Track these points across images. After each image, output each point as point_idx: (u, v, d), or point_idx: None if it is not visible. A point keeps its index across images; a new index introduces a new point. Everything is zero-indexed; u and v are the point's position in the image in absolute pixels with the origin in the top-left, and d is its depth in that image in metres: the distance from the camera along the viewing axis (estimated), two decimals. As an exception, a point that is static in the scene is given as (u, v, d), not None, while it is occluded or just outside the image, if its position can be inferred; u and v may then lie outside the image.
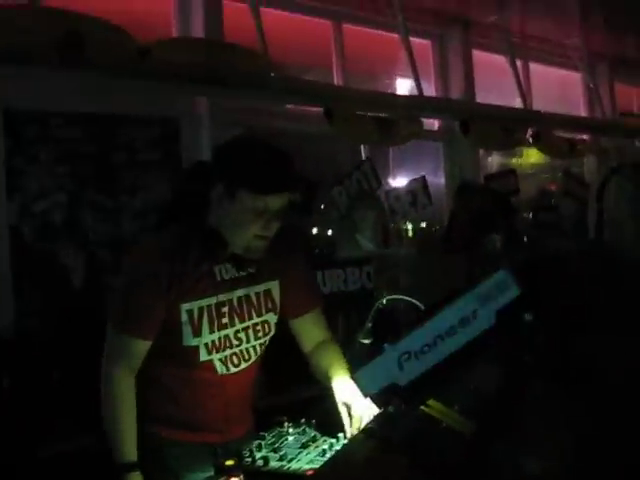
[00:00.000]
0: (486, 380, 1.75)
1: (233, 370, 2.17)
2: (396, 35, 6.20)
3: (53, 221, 4.24)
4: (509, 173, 6.93)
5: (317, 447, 2.00)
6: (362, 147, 5.97)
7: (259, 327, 2.21)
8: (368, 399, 2.04)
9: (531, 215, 7.29)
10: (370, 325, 2.11)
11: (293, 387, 3.90)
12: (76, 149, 4.34)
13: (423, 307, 2.01)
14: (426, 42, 6.79)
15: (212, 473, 2.07)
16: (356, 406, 2.05)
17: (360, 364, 2.07)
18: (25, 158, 4.16)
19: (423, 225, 7.05)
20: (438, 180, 6.94)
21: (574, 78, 8.23)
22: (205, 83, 4.20)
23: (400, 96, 6.23)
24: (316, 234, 5.80)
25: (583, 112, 8.28)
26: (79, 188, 4.34)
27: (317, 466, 1.82)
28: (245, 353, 2.19)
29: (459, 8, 6.55)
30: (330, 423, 2.10)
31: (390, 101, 5.61)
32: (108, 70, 3.75)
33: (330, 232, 5.82)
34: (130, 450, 2.03)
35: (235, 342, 2.16)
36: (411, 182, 6.02)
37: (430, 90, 6.61)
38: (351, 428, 2.03)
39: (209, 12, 4.73)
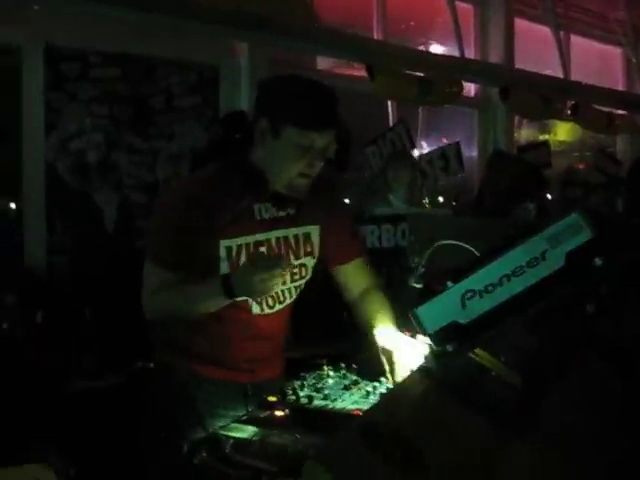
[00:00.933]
0: (538, 329, 1.71)
1: (267, 311, 2.14)
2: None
3: (88, 161, 4.23)
4: (542, 145, 6.86)
5: (360, 389, 1.98)
6: (390, 110, 5.92)
7: (296, 270, 2.18)
8: (413, 345, 2.02)
9: (558, 191, 7.24)
10: (423, 270, 2.07)
11: (322, 342, 3.88)
12: (114, 90, 4.32)
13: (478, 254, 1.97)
14: (468, 7, 6.68)
15: (243, 412, 2.06)
16: (400, 353, 2.03)
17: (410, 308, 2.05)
18: (64, 95, 4.15)
19: (440, 199, 7.02)
20: (467, 149, 6.89)
21: (614, 53, 8.09)
22: (249, 29, 4.14)
23: (443, 56, 6.12)
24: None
25: (621, 88, 8.14)
26: (115, 129, 4.32)
27: (362, 407, 1.80)
28: (280, 295, 2.16)
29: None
30: (370, 370, 2.08)
31: (433, 61, 5.53)
32: (150, 9, 3.69)
33: (347, 200, 5.77)
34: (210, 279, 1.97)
35: None
36: (445, 147, 5.98)
37: (469, 56, 6.50)
38: (394, 375, 2.01)
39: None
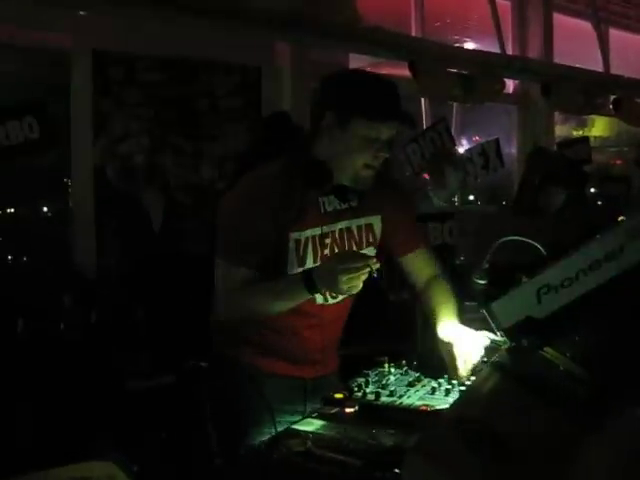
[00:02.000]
0: (613, 324, 1.70)
1: (331, 301, 2.16)
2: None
3: (135, 163, 4.28)
4: (582, 141, 6.78)
5: (424, 386, 1.99)
6: (424, 108, 5.91)
7: None
8: (474, 338, 2.03)
9: (595, 187, 7.15)
10: (487, 266, 2.08)
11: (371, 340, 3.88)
12: (159, 93, 4.37)
13: (544, 251, 1.97)
14: (506, 3, 6.64)
15: (302, 408, 2.09)
16: (460, 347, 2.04)
17: (479, 305, 2.05)
18: (111, 100, 4.20)
19: (471, 197, 6.99)
20: (505, 146, 6.83)
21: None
22: (297, 30, 4.16)
23: (487, 53, 6.06)
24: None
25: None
26: (161, 132, 4.37)
27: (429, 402, 1.81)
28: None
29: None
30: (429, 367, 2.09)
31: (477, 58, 5.49)
32: (201, 12, 3.73)
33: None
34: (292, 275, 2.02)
35: None
36: (484, 144, 5.94)
37: (507, 52, 6.46)
38: (455, 369, 2.02)
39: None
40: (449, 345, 2.07)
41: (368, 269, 1.85)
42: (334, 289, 1.91)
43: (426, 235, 2.44)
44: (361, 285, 1.88)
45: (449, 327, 2.13)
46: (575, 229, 3.99)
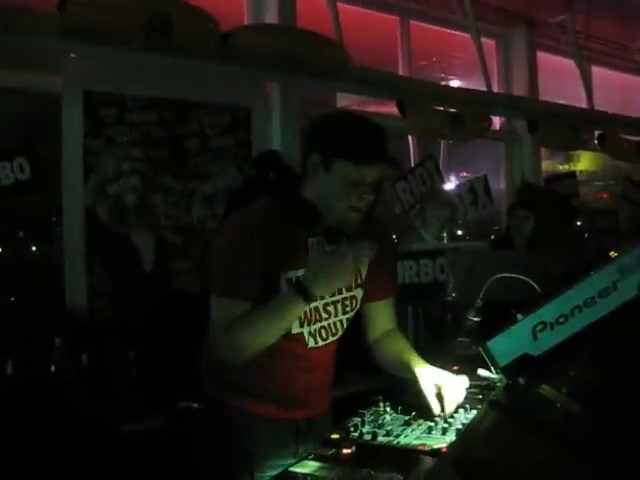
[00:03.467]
0: (608, 359, 1.70)
1: (321, 343, 2.16)
2: (455, 33, 6.17)
3: (126, 203, 4.29)
4: (569, 176, 6.85)
5: (420, 425, 1.97)
6: (411, 145, 5.97)
7: (347, 301, 2.20)
8: (455, 380, 2.01)
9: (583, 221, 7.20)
10: (481, 303, 2.08)
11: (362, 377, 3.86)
12: (150, 133, 4.39)
13: (539, 289, 1.98)
14: (490, 41, 6.75)
15: (294, 450, 2.07)
16: (448, 387, 2.03)
17: (471, 341, 2.05)
18: (102, 140, 4.22)
19: (459, 232, 7.01)
20: (492, 182, 6.89)
21: (636, 82, 8.12)
22: (286, 70, 4.21)
23: (474, 91, 6.14)
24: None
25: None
26: (152, 172, 4.38)
27: (426, 442, 1.79)
28: (332, 327, 2.19)
29: (524, 7, 6.52)
30: (425, 406, 2.08)
31: (465, 96, 5.56)
32: (192, 54, 3.77)
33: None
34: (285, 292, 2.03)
35: (324, 315, 2.15)
36: (472, 181, 5.99)
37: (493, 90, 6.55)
38: (443, 410, 2.01)
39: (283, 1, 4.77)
40: (436, 388, 2.06)
41: (365, 255, 1.92)
42: (329, 285, 1.94)
43: (396, 285, 2.44)
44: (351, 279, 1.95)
45: (427, 371, 2.11)
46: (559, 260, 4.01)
